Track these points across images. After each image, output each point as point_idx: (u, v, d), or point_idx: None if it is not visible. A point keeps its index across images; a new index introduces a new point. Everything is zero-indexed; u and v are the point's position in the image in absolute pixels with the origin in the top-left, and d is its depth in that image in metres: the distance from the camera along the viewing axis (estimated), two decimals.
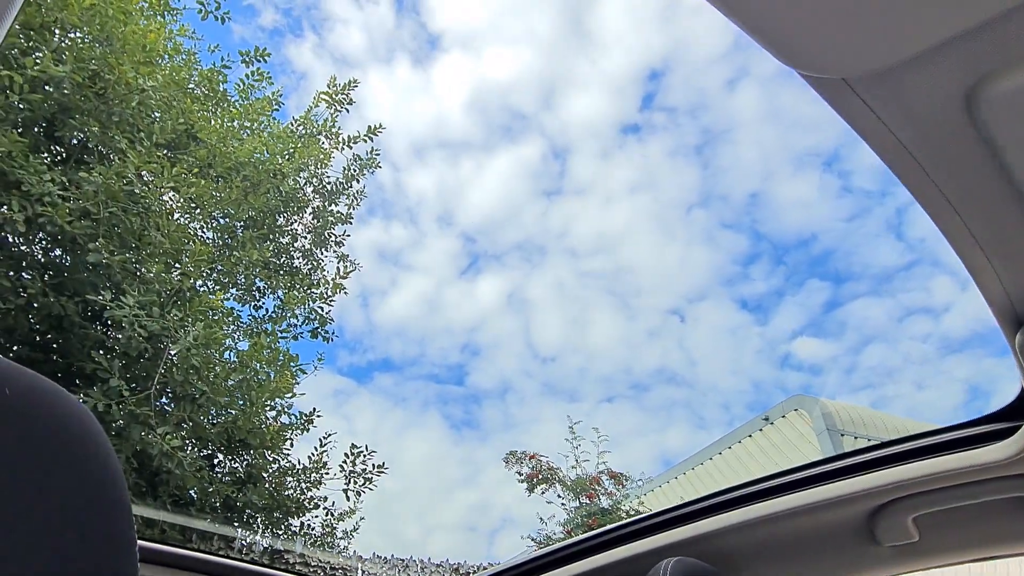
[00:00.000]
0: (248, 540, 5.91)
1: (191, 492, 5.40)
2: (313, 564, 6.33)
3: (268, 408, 5.66)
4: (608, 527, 1.43)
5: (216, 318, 5.44)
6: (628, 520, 1.40)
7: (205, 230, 6.13)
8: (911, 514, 1.11)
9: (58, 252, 5.03)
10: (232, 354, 5.77)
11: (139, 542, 0.59)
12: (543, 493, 7.65)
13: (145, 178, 4.86)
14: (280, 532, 6.36)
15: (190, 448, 5.01)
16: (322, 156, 6.74)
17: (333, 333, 6.72)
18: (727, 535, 1.23)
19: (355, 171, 7.03)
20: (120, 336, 4.45)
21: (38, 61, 4.43)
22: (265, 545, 6.13)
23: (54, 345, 4.82)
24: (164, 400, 5.23)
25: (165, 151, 5.29)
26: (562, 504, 7.73)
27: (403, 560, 6.79)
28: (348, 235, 7.18)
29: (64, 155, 5.20)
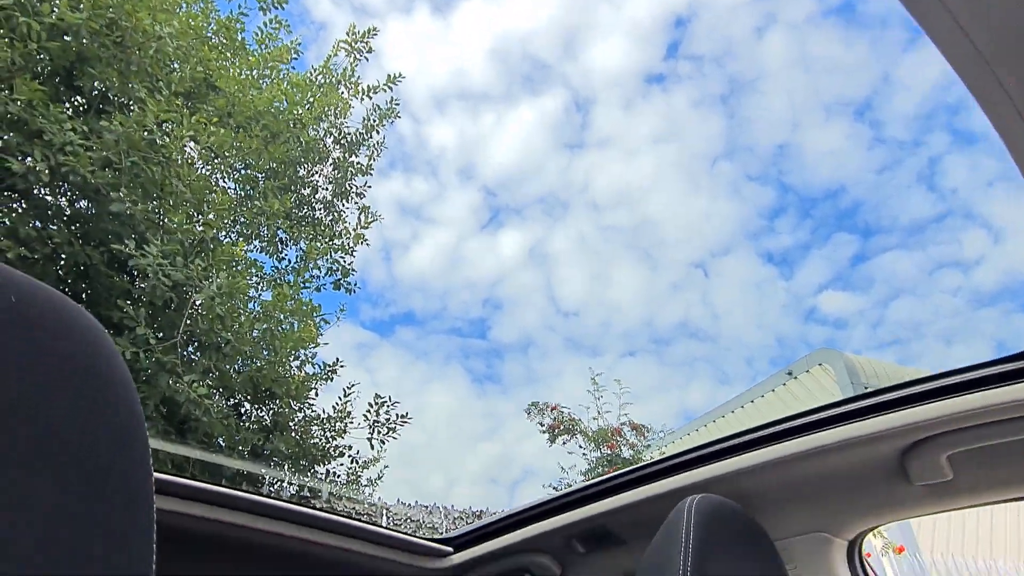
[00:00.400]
0: (276, 485, 6.05)
1: (219, 440, 5.51)
2: (339, 510, 6.48)
3: (292, 358, 5.72)
4: (633, 467, 1.42)
5: (239, 268, 5.47)
6: (653, 460, 1.38)
7: (226, 180, 6.13)
8: (945, 452, 1.08)
9: (82, 203, 5.06)
10: (256, 304, 5.82)
11: (155, 474, 0.56)
12: (564, 444, 7.72)
13: (165, 128, 4.84)
14: (307, 480, 6.49)
15: (217, 397, 5.08)
16: (341, 106, 6.67)
17: (355, 285, 6.74)
18: (755, 474, 1.21)
19: (375, 121, 6.96)
20: (145, 285, 4.48)
21: (55, 8, 4.38)
22: (293, 491, 6.27)
23: (82, 295, 4.88)
24: (190, 349, 5.29)
25: (184, 100, 5.26)
26: (583, 454, 7.80)
27: (426, 507, 6.92)
28: (369, 186, 7.15)
29: (85, 105, 5.18)
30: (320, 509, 1.47)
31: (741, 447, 1.22)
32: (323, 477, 6.49)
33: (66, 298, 0.54)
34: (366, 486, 6.90)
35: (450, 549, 1.63)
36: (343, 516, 1.51)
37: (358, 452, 6.75)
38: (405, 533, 1.61)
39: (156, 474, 1.23)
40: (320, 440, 6.41)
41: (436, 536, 1.67)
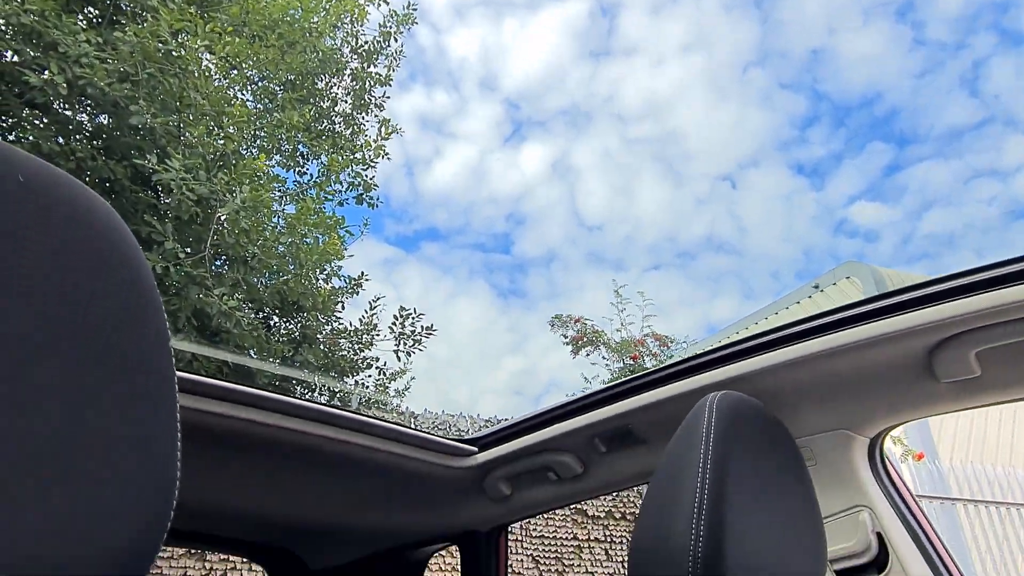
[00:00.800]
0: (306, 395, 6.24)
1: (249, 352, 5.66)
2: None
3: (318, 271, 5.78)
4: (654, 367, 1.42)
5: (262, 182, 5.47)
6: (673, 360, 1.39)
7: (244, 93, 6.05)
8: (974, 348, 1.06)
9: (103, 118, 5.03)
10: (280, 219, 5.85)
11: (177, 373, 0.55)
12: (588, 355, 7.83)
13: (180, 38, 4.74)
14: (337, 391, 6.69)
15: (246, 310, 5.18)
16: (357, 12, 6.47)
17: (378, 199, 6.72)
18: (777, 373, 1.20)
19: (391, 27, 6.75)
20: (169, 200, 4.51)
21: None
22: (323, 401, 6.48)
23: None
24: (218, 264, 5.37)
25: (197, 8, 5.13)
26: (606, 365, 7.91)
27: (452, 415, 7.13)
28: (388, 97, 7.02)
29: (98, 17, 5.08)
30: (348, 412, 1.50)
31: (765, 346, 1.21)
32: (352, 388, 6.69)
33: (77, 181, 0.52)
34: (394, 397, 7.10)
35: (475, 448, 1.67)
36: (370, 416, 1.54)
37: (385, 364, 6.92)
38: (431, 433, 1.64)
39: (180, 373, 1.26)
40: (348, 352, 6.56)
41: (462, 437, 1.71)
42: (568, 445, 1.54)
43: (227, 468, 1.58)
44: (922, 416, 1.20)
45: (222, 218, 4.73)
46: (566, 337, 7.77)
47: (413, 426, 1.57)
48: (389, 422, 1.57)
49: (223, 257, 5.17)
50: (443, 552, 5.74)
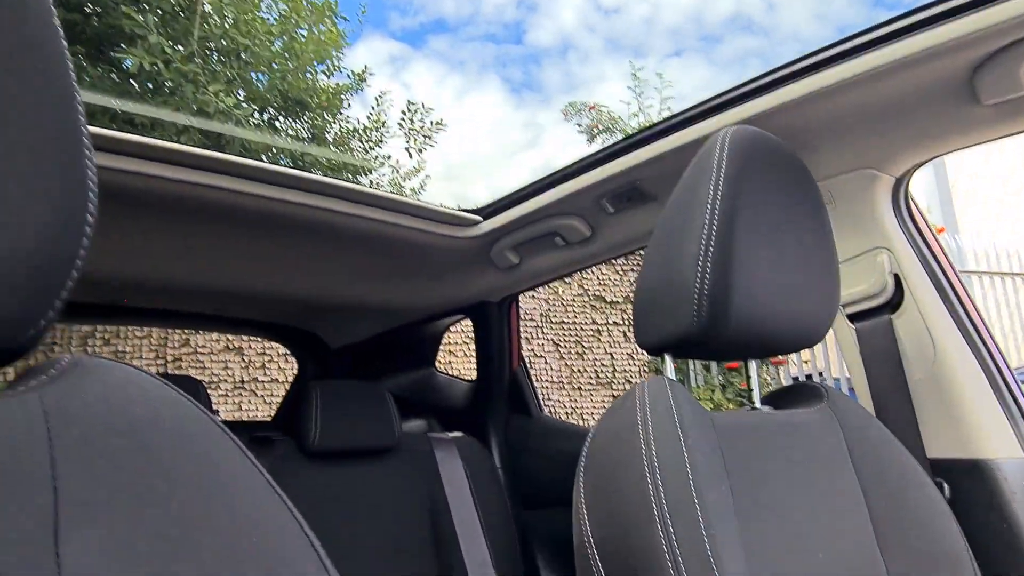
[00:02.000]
0: None
1: (262, 157, 5.56)
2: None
3: (318, 61, 5.50)
4: (662, 118, 1.31)
5: None
6: (683, 108, 1.27)
7: None
8: (1023, 63, 0.94)
9: None
10: (272, 16, 5.46)
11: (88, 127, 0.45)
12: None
13: None
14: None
15: (247, 108, 4.99)
16: None
17: None
18: (797, 108, 1.09)
19: None
20: None
21: None
22: None
23: (85, 6, 4.60)
24: (214, 60, 5.11)
25: None
26: None
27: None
28: None
29: None
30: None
31: (784, 79, 1.09)
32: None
33: None
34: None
35: (479, 218, 1.62)
36: (371, 189, 1.48)
37: (398, 162, 6.82)
38: (434, 205, 1.59)
39: (181, 146, 1.19)
40: (359, 151, 6.44)
41: (466, 208, 1.66)
42: (574, 207, 1.48)
43: (240, 248, 1.57)
44: (955, 147, 1.10)
45: (206, 7, 4.41)
46: (581, 126, 7.51)
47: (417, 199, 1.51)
48: (392, 195, 1.51)
49: (216, 53, 4.90)
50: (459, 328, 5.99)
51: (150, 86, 4.68)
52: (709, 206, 0.84)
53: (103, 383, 0.44)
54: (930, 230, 1.21)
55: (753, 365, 1.00)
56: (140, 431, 0.42)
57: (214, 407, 5.46)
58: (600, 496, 0.78)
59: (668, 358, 0.92)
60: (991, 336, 1.15)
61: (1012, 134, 1.05)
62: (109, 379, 0.44)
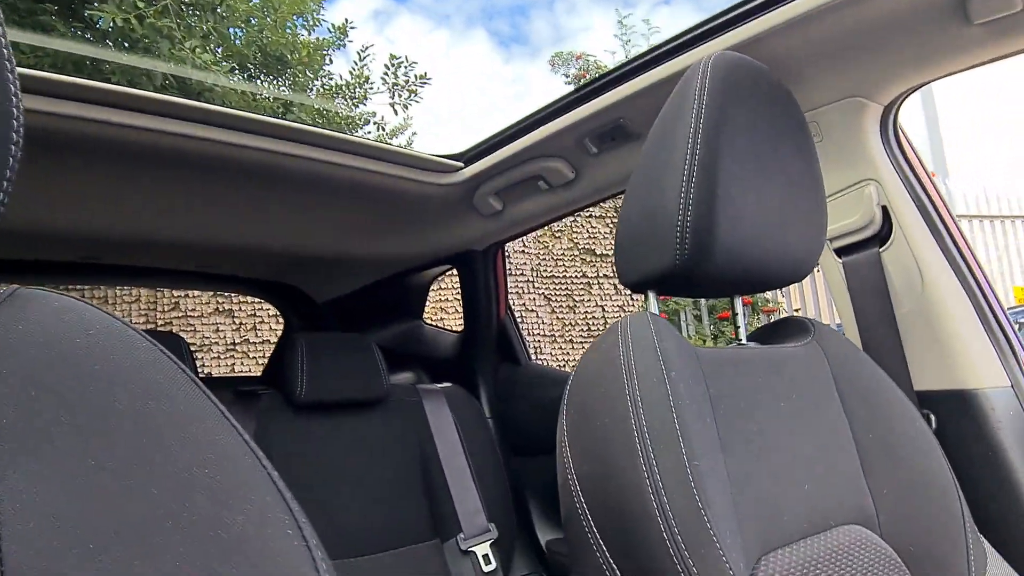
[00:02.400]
0: None
1: None
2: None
3: (296, 16, 5.36)
4: (643, 51, 1.27)
5: None
6: (663, 40, 1.23)
7: None
8: None
9: None
10: None
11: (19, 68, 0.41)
12: None
13: None
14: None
15: (225, 65, 4.86)
16: None
17: None
18: (782, 35, 1.05)
19: None
20: None
21: None
22: None
23: None
24: (189, 16, 4.96)
25: None
26: None
27: None
28: None
29: None
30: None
31: (768, 4, 1.05)
32: None
33: None
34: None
35: (460, 164, 1.58)
36: (350, 136, 1.44)
37: (383, 119, 6.70)
38: (414, 151, 1.55)
39: (170, 97, 1.15)
40: (343, 109, 6.32)
41: (446, 153, 1.62)
42: (557, 148, 1.45)
43: (220, 201, 1.53)
44: (945, 72, 1.06)
45: None
46: (568, 76, 7.38)
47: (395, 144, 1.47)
48: (371, 141, 1.47)
49: (190, 8, 4.76)
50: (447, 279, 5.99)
51: (125, 45, 4.56)
52: (691, 137, 0.81)
53: (42, 312, 0.41)
54: (919, 161, 1.19)
55: (739, 301, 0.99)
56: (82, 361, 0.40)
57: (207, 371, 5.45)
58: (583, 433, 0.76)
59: (652, 295, 0.90)
60: (980, 267, 1.14)
61: (1001, 56, 1.02)
62: (48, 308, 0.42)
